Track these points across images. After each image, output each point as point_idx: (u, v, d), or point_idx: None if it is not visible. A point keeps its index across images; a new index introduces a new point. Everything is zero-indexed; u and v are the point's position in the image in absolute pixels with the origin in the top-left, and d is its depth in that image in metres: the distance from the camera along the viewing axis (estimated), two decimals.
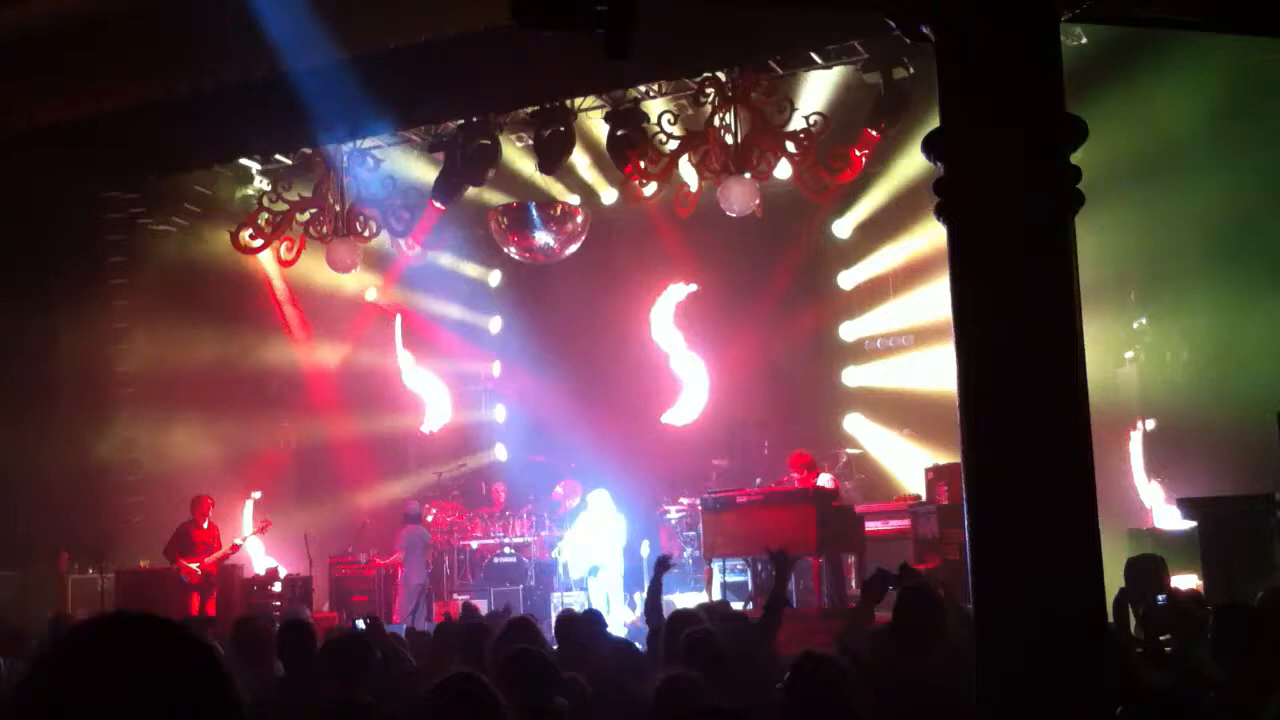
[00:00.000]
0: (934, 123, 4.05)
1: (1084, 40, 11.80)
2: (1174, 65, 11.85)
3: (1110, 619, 9.19)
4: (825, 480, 13.17)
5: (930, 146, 3.97)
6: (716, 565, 12.75)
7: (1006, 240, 3.87)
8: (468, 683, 4.13)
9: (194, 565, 14.19)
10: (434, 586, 15.22)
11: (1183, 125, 12.40)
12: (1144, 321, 13.94)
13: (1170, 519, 12.31)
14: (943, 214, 4.01)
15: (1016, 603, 3.96)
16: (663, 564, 7.75)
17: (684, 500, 14.91)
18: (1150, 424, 13.70)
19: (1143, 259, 13.30)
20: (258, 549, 16.63)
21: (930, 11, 3.82)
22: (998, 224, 3.85)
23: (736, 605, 11.42)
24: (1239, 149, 12.24)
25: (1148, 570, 9.59)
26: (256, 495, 16.20)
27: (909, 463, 14.73)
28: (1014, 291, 3.89)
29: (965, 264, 4.01)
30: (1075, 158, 3.94)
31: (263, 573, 15.50)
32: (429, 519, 15.96)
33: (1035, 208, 3.80)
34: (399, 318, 18.16)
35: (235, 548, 14.55)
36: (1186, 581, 10.49)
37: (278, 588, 14.84)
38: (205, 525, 14.48)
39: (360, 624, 8.76)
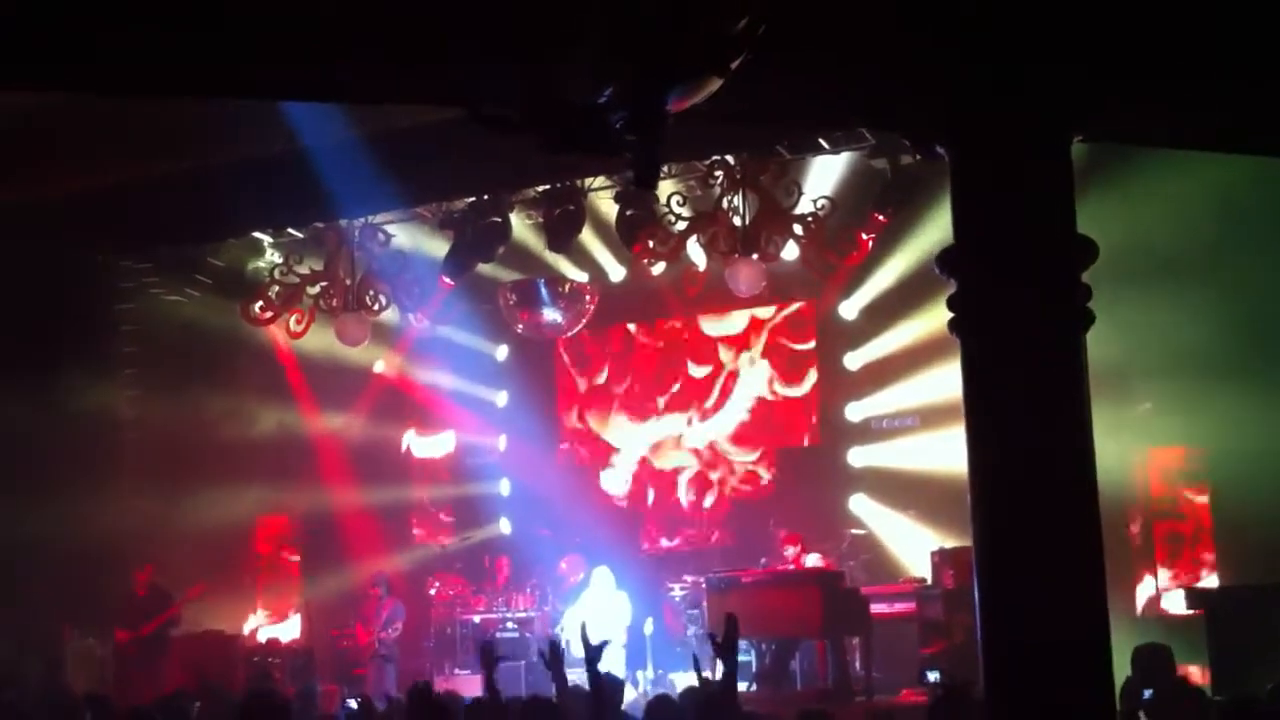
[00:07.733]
0: (940, 207, 4.12)
1: None
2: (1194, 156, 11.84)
3: (1118, 707, 9.17)
4: (814, 560, 13.15)
5: (944, 263, 4.04)
6: None
7: (1018, 356, 3.93)
8: None
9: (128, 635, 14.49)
10: (432, 662, 15.34)
11: (1196, 218, 12.38)
12: (1149, 406, 13.92)
13: (1177, 606, 12.25)
14: (955, 329, 4.07)
15: (1026, 690, 4.02)
16: (553, 648, 7.25)
17: (688, 578, 14.85)
18: (1157, 510, 13.67)
19: (1149, 345, 13.30)
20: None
21: (945, 134, 3.90)
22: (1010, 341, 3.91)
23: (741, 686, 11.38)
24: (1255, 247, 12.26)
25: (1155, 659, 9.55)
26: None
27: (914, 544, 14.66)
28: (1025, 404, 3.95)
29: (978, 377, 4.08)
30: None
31: (264, 643, 15.49)
32: (431, 592, 15.94)
33: (1047, 326, 3.86)
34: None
35: (175, 609, 14.63)
36: (1194, 671, 10.45)
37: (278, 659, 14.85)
38: (143, 594, 14.70)
39: (352, 703, 8.67)
